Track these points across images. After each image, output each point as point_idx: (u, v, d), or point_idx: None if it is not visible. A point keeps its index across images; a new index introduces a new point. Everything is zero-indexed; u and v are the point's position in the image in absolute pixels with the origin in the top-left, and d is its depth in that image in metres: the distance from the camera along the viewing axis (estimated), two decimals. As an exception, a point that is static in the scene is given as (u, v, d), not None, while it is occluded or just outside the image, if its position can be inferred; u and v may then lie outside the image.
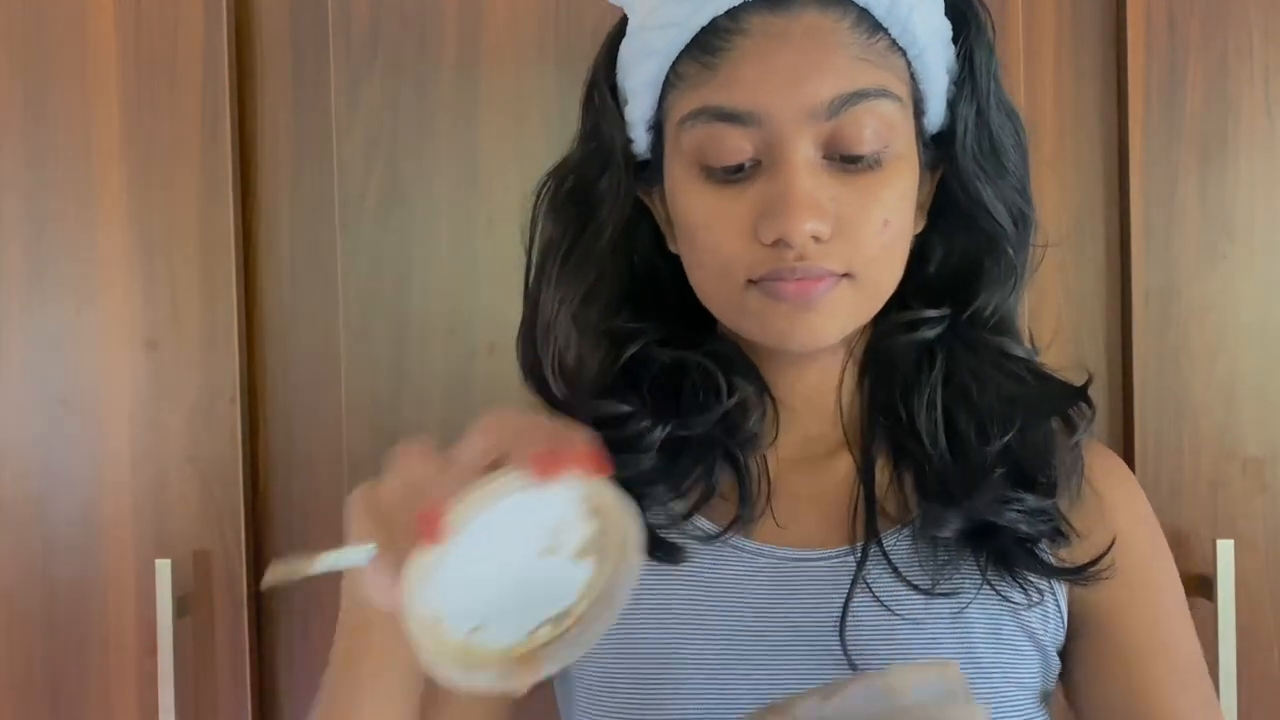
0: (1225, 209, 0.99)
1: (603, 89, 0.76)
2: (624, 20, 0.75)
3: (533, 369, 0.78)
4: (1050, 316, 1.01)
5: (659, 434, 0.74)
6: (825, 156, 0.68)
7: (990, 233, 0.75)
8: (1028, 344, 0.80)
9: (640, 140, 0.75)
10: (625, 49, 0.74)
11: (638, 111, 0.74)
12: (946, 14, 0.72)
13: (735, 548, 0.74)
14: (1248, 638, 0.97)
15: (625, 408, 0.75)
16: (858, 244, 0.68)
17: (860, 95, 0.67)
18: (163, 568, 0.98)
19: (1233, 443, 0.99)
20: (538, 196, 0.79)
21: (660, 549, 0.73)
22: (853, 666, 0.69)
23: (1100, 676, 0.76)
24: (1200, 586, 0.98)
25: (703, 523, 0.74)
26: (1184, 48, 0.99)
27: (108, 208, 1.01)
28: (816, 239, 0.67)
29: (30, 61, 1.01)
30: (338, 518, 1.01)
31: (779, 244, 0.67)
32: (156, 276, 1.01)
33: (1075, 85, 1.01)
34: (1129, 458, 1.00)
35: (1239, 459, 0.99)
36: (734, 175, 0.69)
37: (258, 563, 1.03)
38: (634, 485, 0.73)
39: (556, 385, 0.77)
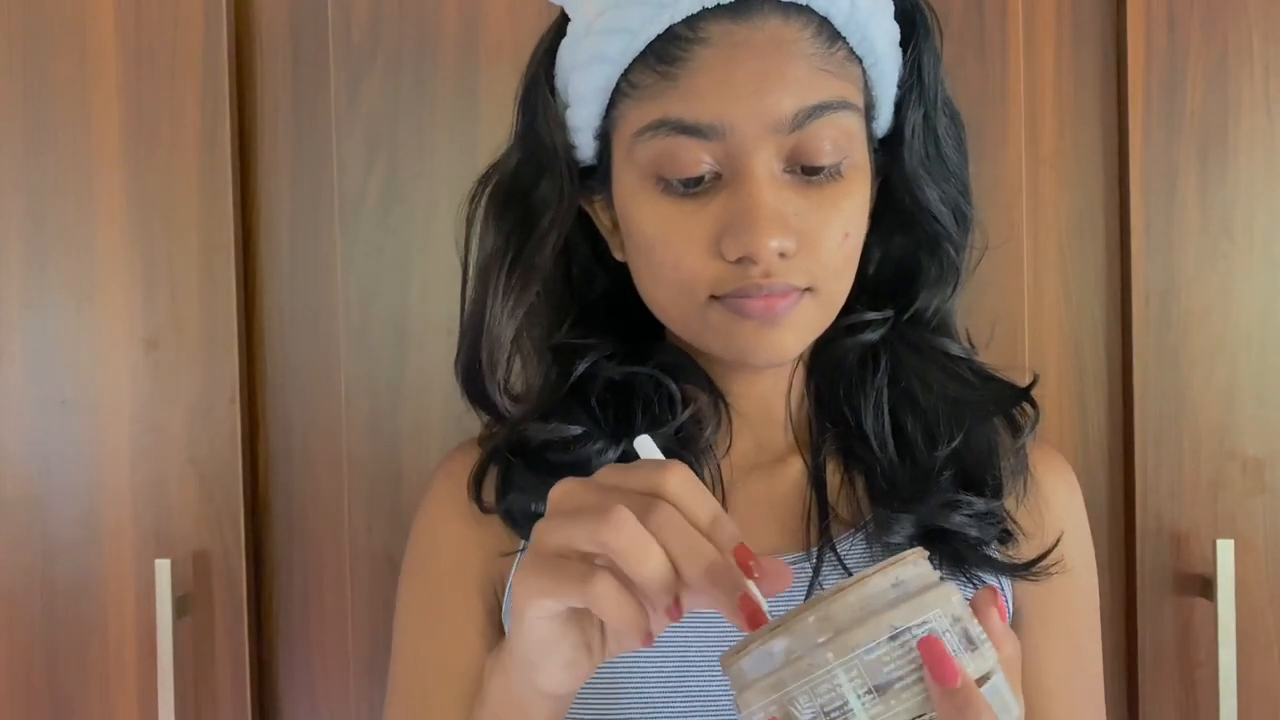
0: (1225, 209, 0.99)
1: (544, 91, 0.72)
2: (561, 19, 0.72)
3: (478, 390, 0.75)
4: (1050, 317, 1.01)
5: (612, 455, 0.72)
6: (786, 170, 0.66)
7: (932, 234, 0.75)
8: (965, 343, 0.79)
9: (585, 147, 0.72)
10: (567, 52, 0.71)
11: (582, 118, 0.71)
12: (895, 18, 0.71)
13: None
14: (1247, 638, 0.97)
15: (577, 429, 0.72)
16: (820, 258, 0.67)
17: (822, 108, 0.66)
18: (162, 568, 0.98)
19: (1233, 443, 0.99)
20: (472, 202, 0.76)
21: None
22: None
23: None
24: (1200, 587, 0.98)
25: None
26: (1184, 47, 0.99)
27: (107, 207, 1.01)
28: (782, 255, 0.65)
29: (30, 61, 1.01)
30: (338, 517, 1.02)
31: (744, 261, 0.65)
32: (156, 276, 1.01)
33: (1075, 84, 1.01)
34: (1129, 458, 1.00)
35: (1239, 459, 0.99)
36: (693, 189, 0.66)
37: (257, 563, 1.03)
38: None
39: (503, 406, 0.74)
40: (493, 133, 1.00)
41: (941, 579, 0.50)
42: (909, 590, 0.49)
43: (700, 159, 0.66)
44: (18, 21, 1.01)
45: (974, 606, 0.51)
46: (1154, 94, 0.99)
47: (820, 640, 0.47)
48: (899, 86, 0.72)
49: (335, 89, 1.01)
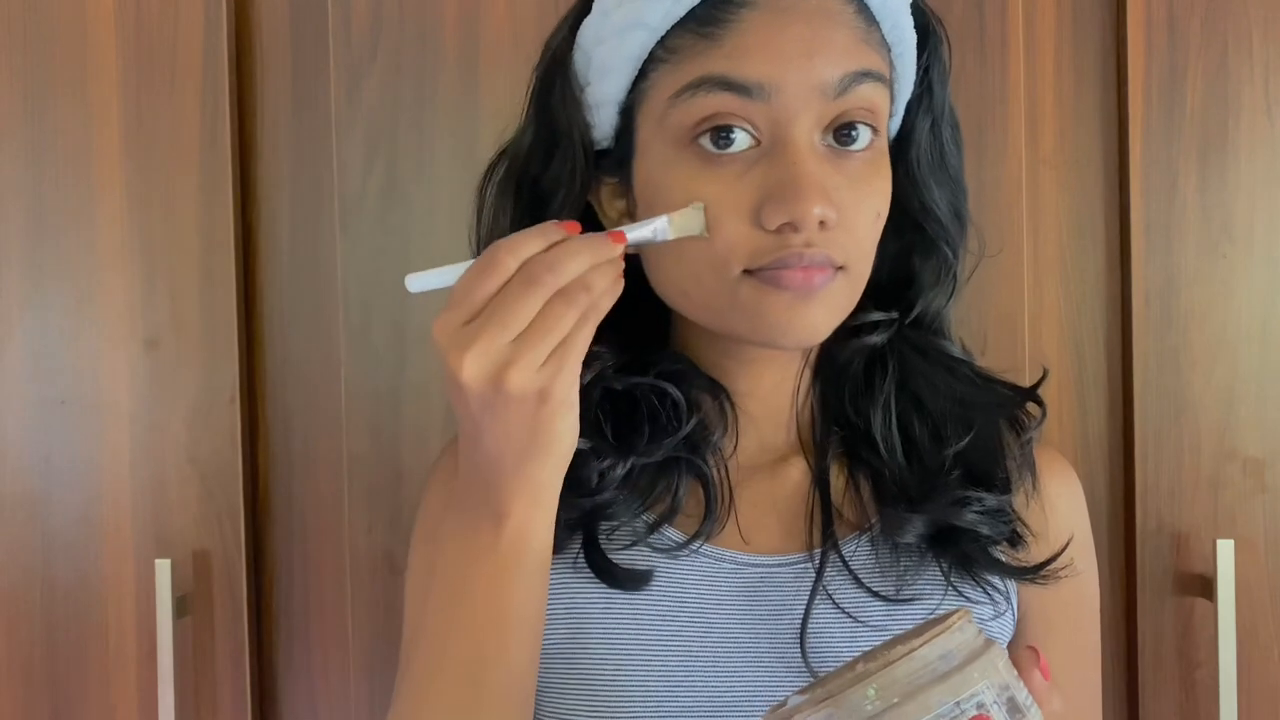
0: (1225, 209, 0.99)
1: (563, 70, 0.72)
2: (584, 2, 0.72)
3: None
4: (1050, 317, 1.01)
5: (619, 471, 0.72)
6: (823, 142, 0.67)
7: (934, 236, 0.75)
8: (959, 348, 0.80)
9: (604, 124, 0.71)
10: (592, 28, 0.70)
11: (606, 93, 0.70)
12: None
13: (698, 554, 0.73)
14: (1248, 638, 0.97)
15: (584, 444, 0.70)
16: (856, 235, 0.67)
17: (865, 75, 0.66)
18: (162, 568, 0.98)
19: (1233, 443, 0.99)
20: (482, 186, 0.76)
21: (625, 579, 0.71)
22: (814, 675, 0.68)
23: None
24: (1200, 587, 0.98)
25: (670, 532, 0.73)
26: (1184, 48, 0.99)
27: (108, 207, 1.01)
28: (823, 225, 0.65)
29: (30, 62, 1.01)
30: (338, 517, 1.02)
31: (785, 229, 0.65)
32: (156, 276, 1.01)
33: (1075, 85, 1.01)
34: (1129, 458, 1.00)
35: (1239, 459, 0.99)
36: (731, 155, 0.66)
37: (257, 562, 1.03)
38: (594, 515, 0.72)
39: None
40: (493, 133, 0.99)
41: (987, 642, 0.51)
42: (956, 661, 0.49)
43: (743, 120, 0.65)
44: (18, 23, 1.01)
45: (1016, 665, 0.52)
46: (1154, 94, 0.99)
47: (870, 711, 0.48)
48: (911, 90, 0.74)
49: (335, 89, 1.01)
